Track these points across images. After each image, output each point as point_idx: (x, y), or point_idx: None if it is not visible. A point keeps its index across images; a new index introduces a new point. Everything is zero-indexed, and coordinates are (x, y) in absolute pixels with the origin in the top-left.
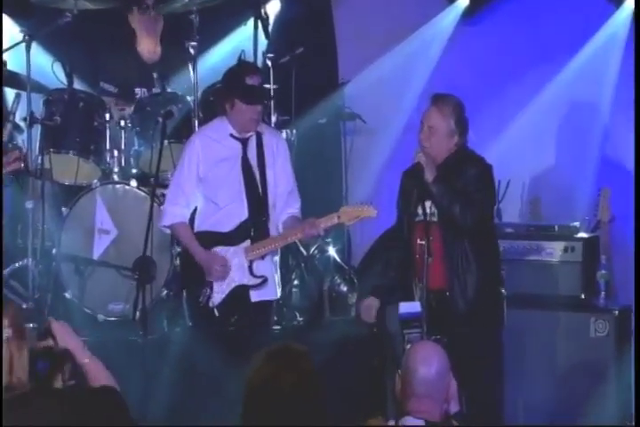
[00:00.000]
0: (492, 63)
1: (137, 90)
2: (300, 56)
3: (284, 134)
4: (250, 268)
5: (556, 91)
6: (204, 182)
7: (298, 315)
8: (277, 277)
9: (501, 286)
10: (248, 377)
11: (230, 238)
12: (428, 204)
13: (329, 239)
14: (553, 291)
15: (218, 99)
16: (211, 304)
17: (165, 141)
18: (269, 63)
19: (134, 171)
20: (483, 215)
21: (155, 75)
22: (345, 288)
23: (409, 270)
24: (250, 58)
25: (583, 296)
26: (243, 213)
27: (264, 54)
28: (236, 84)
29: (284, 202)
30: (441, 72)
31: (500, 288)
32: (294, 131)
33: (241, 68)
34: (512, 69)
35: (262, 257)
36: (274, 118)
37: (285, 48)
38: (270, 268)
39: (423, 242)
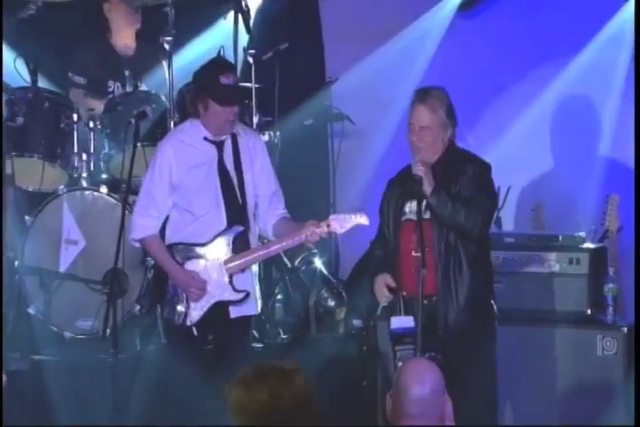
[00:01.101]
0: (490, 60)
1: (110, 83)
2: (284, 52)
3: (266, 137)
4: (230, 282)
5: (559, 89)
6: (178, 191)
7: (281, 332)
8: (257, 291)
9: (493, 298)
10: (240, 402)
11: (208, 251)
12: (413, 203)
13: (315, 250)
14: (556, 306)
15: (190, 100)
16: (188, 323)
17: (138, 144)
18: (251, 60)
19: (104, 176)
20: (490, 220)
21: (127, 72)
22: (332, 303)
23: (393, 278)
24: (230, 54)
25: (589, 312)
26: (221, 223)
27: (245, 50)
28: (210, 84)
29: (268, 204)
30: (436, 69)
31: (491, 300)
32: (277, 133)
33: (214, 66)
34: (513, 66)
35: (242, 270)
36: (256, 119)
37: (268, 44)
38: (251, 281)
39: (418, 254)
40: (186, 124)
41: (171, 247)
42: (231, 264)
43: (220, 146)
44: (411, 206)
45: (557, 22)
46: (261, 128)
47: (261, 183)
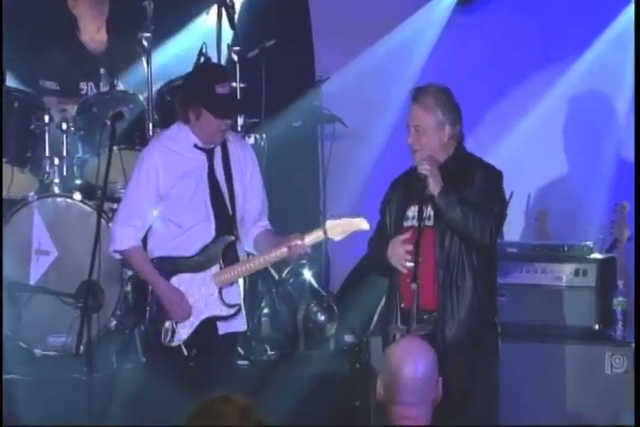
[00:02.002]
0: (491, 58)
1: (82, 84)
2: (271, 49)
3: (252, 139)
4: (220, 296)
5: (565, 90)
6: (165, 201)
7: (268, 348)
8: (243, 306)
9: (495, 315)
10: None
11: (196, 264)
12: (416, 208)
13: (304, 261)
14: (562, 321)
15: (180, 105)
16: (176, 341)
17: (114, 148)
18: (235, 58)
19: (78, 182)
20: (499, 230)
21: (102, 70)
22: (322, 317)
23: (390, 290)
24: (213, 52)
25: (597, 327)
26: (209, 235)
27: (229, 47)
28: (205, 93)
29: (257, 217)
30: (433, 68)
31: (494, 317)
32: (264, 135)
33: (209, 73)
34: (515, 65)
35: (231, 283)
36: (241, 121)
37: (254, 40)
38: (239, 295)
39: (410, 264)
40: (173, 129)
41: (156, 261)
42: (222, 277)
43: (210, 154)
44: (414, 211)
45: (562, 18)
46: (247, 130)
47: (251, 196)
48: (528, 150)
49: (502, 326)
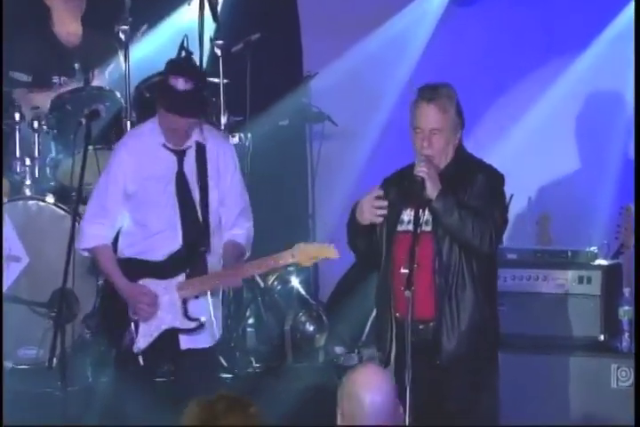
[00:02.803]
0: (490, 52)
1: (55, 78)
2: (257, 44)
3: (236, 139)
4: (183, 308)
5: (568, 86)
6: (133, 200)
7: (253, 361)
8: (216, 320)
9: (497, 326)
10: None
11: (161, 270)
12: (412, 211)
13: (291, 268)
14: (564, 331)
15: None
16: (135, 349)
17: (90, 147)
18: (218, 52)
19: (51, 184)
20: (501, 236)
21: (76, 65)
22: (311, 328)
23: (383, 298)
24: (194, 46)
25: (602, 338)
26: (176, 242)
27: (212, 41)
28: (160, 85)
29: (233, 222)
30: (428, 63)
31: (496, 328)
32: (249, 135)
33: (168, 66)
34: (515, 60)
35: (197, 296)
36: (224, 119)
37: (238, 33)
38: (207, 309)
39: (405, 271)
40: (146, 125)
41: (123, 262)
42: (186, 288)
43: (180, 156)
44: (410, 215)
45: (565, 9)
46: (231, 129)
47: (229, 201)
48: (529, 150)
49: (502, 336)
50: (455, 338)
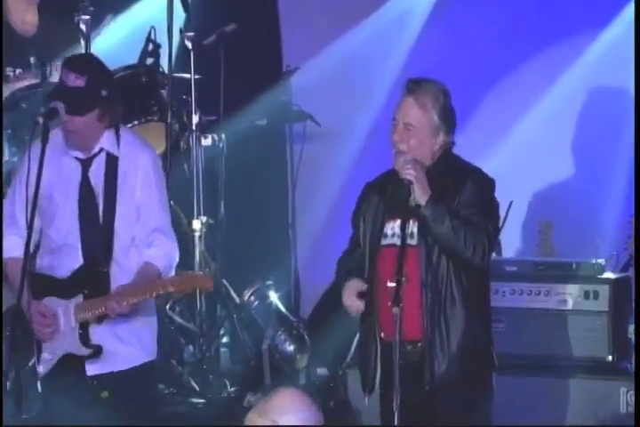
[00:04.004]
0: (488, 45)
1: (8, 71)
2: (231, 35)
3: (208, 140)
4: (81, 333)
5: (573, 81)
6: (39, 210)
7: (228, 384)
8: (142, 341)
9: (491, 346)
10: None
11: (62, 289)
12: (396, 223)
13: (270, 281)
14: (568, 351)
15: None
16: (39, 372)
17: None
18: (189, 45)
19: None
20: (493, 248)
21: (32, 59)
22: (291, 347)
23: (366, 317)
24: (163, 37)
25: (610, 358)
26: (76, 260)
27: (182, 32)
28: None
29: (148, 243)
30: (420, 56)
31: (489, 349)
32: (223, 136)
33: (63, 61)
34: (514, 52)
35: (100, 320)
36: (196, 119)
37: (211, 24)
38: (112, 335)
39: (392, 284)
40: (58, 129)
41: (34, 277)
42: (82, 312)
43: (86, 165)
44: (394, 227)
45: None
46: (203, 129)
47: (144, 216)
48: (529, 153)
49: (499, 356)
50: (445, 361)
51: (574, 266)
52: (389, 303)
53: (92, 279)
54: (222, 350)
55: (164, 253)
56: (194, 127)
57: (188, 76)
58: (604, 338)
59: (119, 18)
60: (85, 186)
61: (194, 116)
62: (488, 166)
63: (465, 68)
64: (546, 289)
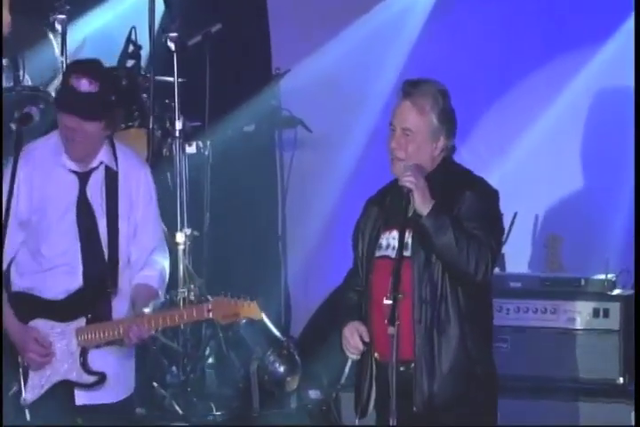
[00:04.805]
0: (493, 47)
1: None
2: (218, 36)
3: (193, 148)
4: (82, 358)
5: (582, 87)
6: (28, 228)
7: (214, 407)
8: (124, 372)
9: (490, 366)
10: None
11: (58, 311)
12: (392, 233)
13: (258, 298)
14: (577, 373)
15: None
16: (22, 401)
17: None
18: (172, 46)
19: None
20: (495, 263)
21: (4, 61)
22: (282, 369)
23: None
24: (144, 38)
25: (621, 381)
26: (76, 280)
27: (164, 33)
28: (60, 88)
29: (144, 262)
30: (419, 59)
31: (489, 370)
32: (208, 143)
33: (70, 66)
34: (520, 58)
35: (99, 346)
36: (179, 125)
37: (195, 24)
38: (113, 361)
39: (389, 302)
40: (49, 138)
41: (13, 296)
42: (86, 336)
43: (84, 178)
44: (389, 238)
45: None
46: (187, 136)
47: (143, 235)
48: (535, 162)
49: (503, 378)
50: (436, 382)
51: (583, 282)
52: (385, 321)
53: (96, 301)
54: (208, 371)
55: (158, 273)
56: (177, 134)
57: (171, 79)
58: (615, 359)
59: (97, 17)
60: (83, 202)
61: (177, 121)
62: (492, 176)
63: (467, 72)
64: (552, 307)
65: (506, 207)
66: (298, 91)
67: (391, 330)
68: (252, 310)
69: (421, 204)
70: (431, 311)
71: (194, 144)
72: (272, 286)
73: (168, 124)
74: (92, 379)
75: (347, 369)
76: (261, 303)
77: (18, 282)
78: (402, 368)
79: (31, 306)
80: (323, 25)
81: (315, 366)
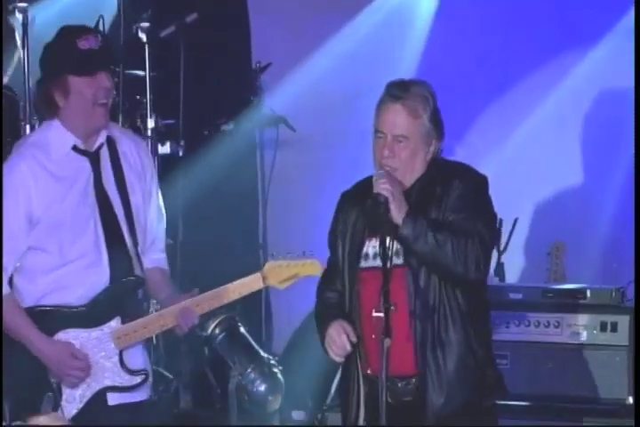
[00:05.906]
0: (489, 44)
1: None
2: (193, 27)
3: (166, 148)
4: (121, 361)
5: (582, 82)
6: (38, 228)
7: None
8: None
9: (494, 369)
10: None
11: (87, 317)
12: (375, 241)
13: (237, 311)
14: (582, 392)
15: (41, 94)
16: (66, 413)
17: None
18: (144, 37)
19: None
20: (489, 257)
21: None
22: (262, 387)
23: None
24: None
25: (630, 400)
26: (102, 274)
27: (135, 23)
28: (65, 55)
29: (151, 242)
30: (413, 55)
31: (493, 372)
32: (182, 142)
33: (66, 32)
34: (519, 53)
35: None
36: (151, 123)
37: (169, 14)
38: (144, 357)
39: (380, 314)
40: (41, 131)
41: (31, 311)
42: (124, 336)
43: (95, 158)
44: (376, 246)
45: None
46: (160, 135)
47: (152, 211)
48: (536, 162)
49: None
50: (444, 392)
51: (589, 294)
52: (373, 336)
53: (126, 298)
54: (182, 390)
55: (164, 255)
56: (149, 133)
57: (142, 73)
58: (624, 377)
59: (59, 5)
60: (99, 183)
61: (149, 119)
62: (490, 180)
63: (464, 69)
64: (556, 320)
65: (505, 213)
66: (280, 87)
67: (387, 342)
68: (310, 267)
69: (397, 213)
70: (430, 321)
71: (167, 144)
72: (252, 298)
73: (139, 123)
74: (137, 379)
75: (333, 388)
76: (241, 316)
77: (29, 294)
78: (400, 384)
79: (54, 318)
80: (305, 17)
81: (298, 385)
